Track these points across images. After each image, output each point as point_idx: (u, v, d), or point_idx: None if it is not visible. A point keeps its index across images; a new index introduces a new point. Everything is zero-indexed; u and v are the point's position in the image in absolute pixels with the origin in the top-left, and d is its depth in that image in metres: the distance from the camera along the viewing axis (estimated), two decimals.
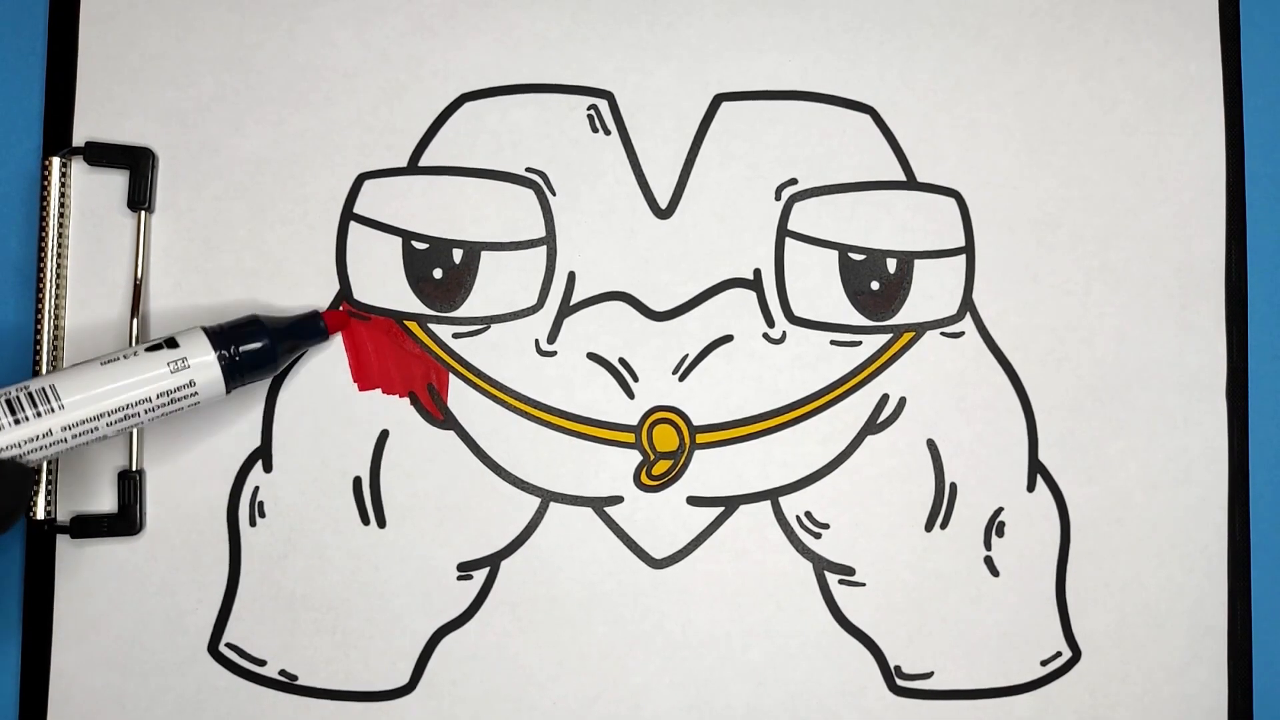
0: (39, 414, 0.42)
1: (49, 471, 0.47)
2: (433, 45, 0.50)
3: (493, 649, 0.49)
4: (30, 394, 0.43)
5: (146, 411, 0.44)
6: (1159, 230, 0.51)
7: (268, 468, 0.49)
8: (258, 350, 0.45)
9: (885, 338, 0.50)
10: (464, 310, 0.49)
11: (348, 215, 0.49)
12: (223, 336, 0.45)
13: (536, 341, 0.49)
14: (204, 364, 0.44)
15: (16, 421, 0.42)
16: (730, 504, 0.49)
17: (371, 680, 0.48)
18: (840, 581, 0.49)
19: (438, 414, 0.49)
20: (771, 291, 0.49)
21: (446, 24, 0.50)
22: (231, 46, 0.49)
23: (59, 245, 0.48)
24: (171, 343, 0.44)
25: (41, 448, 0.43)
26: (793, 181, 0.50)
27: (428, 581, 0.49)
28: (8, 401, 0.42)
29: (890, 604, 0.49)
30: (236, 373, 0.45)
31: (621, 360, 0.49)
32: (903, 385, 0.50)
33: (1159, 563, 0.50)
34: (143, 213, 0.48)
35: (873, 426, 0.50)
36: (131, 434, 0.48)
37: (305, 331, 0.47)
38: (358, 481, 0.49)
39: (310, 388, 0.49)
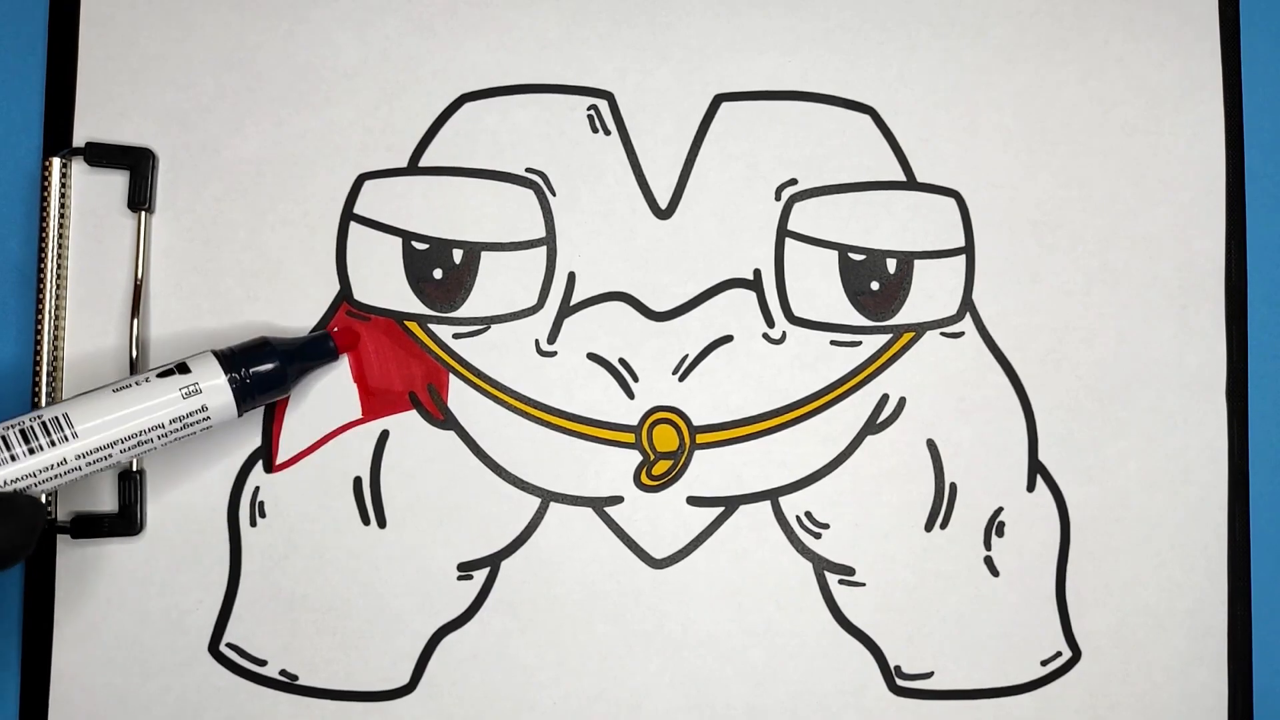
0: (53, 443, 0.42)
1: None
2: (433, 45, 0.50)
3: (493, 649, 0.49)
4: (44, 422, 0.42)
5: (160, 437, 0.44)
6: (1159, 230, 0.51)
7: (268, 468, 0.49)
8: (268, 372, 0.45)
9: (885, 338, 0.50)
10: (464, 310, 0.49)
11: (348, 216, 0.49)
12: (233, 359, 0.45)
13: (536, 342, 0.49)
14: (215, 388, 0.44)
15: (31, 451, 0.42)
16: (730, 504, 0.49)
17: (372, 680, 0.48)
18: (840, 581, 0.49)
19: (438, 414, 0.49)
20: (771, 292, 0.50)
21: (446, 24, 0.50)
22: (231, 47, 0.49)
23: (59, 246, 0.48)
24: (183, 368, 0.44)
25: (55, 476, 0.42)
26: (793, 181, 0.50)
27: (428, 581, 0.49)
28: (21, 431, 0.42)
29: (890, 604, 0.49)
30: (248, 395, 0.45)
31: (621, 360, 0.49)
32: (903, 385, 0.50)
33: (1159, 563, 0.50)
34: (143, 213, 0.48)
35: (873, 426, 0.50)
36: None
37: (315, 352, 0.47)
38: (358, 481, 0.49)
39: (311, 387, 0.49)
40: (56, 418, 0.42)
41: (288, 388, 0.47)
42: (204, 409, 0.44)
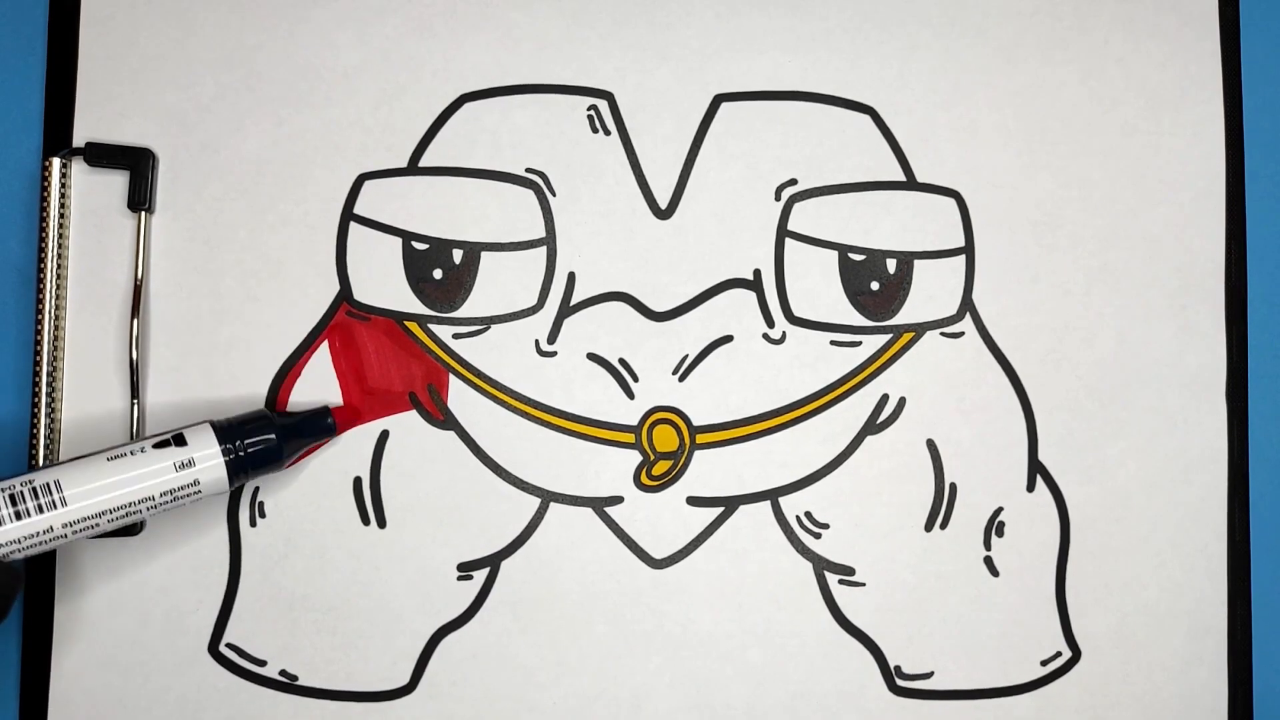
0: (40, 508, 0.42)
1: None
2: (433, 46, 0.50)
3: (493, 649, 0.49)
4: (34, 488, 0.42)
5: (149, 509, 0.44)
6: (1159, 230, 0.51)
7: None
8: (265, 448, 0.45)
9: (885, 338, 0.50)
10: (464, 311, 0.49)
11: (348, 216, 0.49)
12: (230, 432, 0.45)
13: (536, 342, 0.49)
14: (210, 466, 0.44)
15: (18, 515, 0.42)
16: (730, 504, 0.49)
17: (372, 680, 0.48)
18: (840, 581, 0.49)
19: (438, 414, 0.49)
20: (771, 292, 0.50)
21: (446, 24, 0.50)
22: (231, 47, 0.49)
23: (59, 246, 0.48)
24: (179, 439, 0.44)
25: (39, 544, 0.42)
26: (793, 182, 0.50)
27: (428, 582, 0.49)
28: (10, 495, 0.42)
29: (890, 604, 0.49)
30: (241, 470, 0.45)
31: (621, 360, 0.49)
32: (902, 385, 0.50)
33: (1159, 563, 0.50)
34: (143, 213, 0.48)
35: (872, 427, 0.50)
36: (132, 434, 0.48)
37: (314, 429, 0.47)
38: (358, 482, 0.49)
39: (311, 387, 0.49)
40: (48, 483, 0.42)
41: (282, 464, 0.46)
42: (195, 482, 0.44)
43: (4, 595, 0.41)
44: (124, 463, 0.43)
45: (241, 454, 0.45)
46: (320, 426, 0.47)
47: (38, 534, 0.42)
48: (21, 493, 0.42)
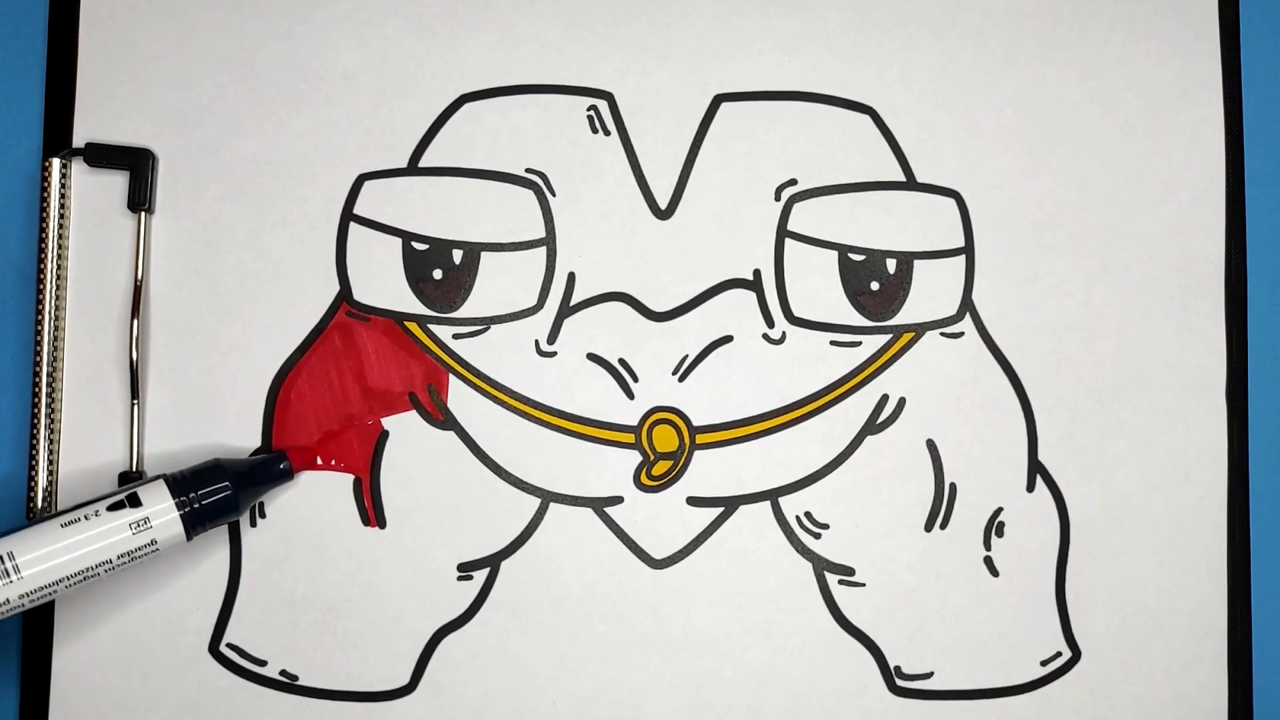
0: None
1: (50, 470, 0.47)
2: (432, 46, 0.50)
3: (493, 649, 0.49)
4: None
5: (106, 571, 0.43)
6: (1159, 230, 0.51)
7: None
8: (220, 499, 0.45)
9: (885, 338, 0.50)
10: (464, 311, 0.49)
11: (348, 216, 0.49)
12: (183, 484, 0.44)
13: (536, 342, 0.49)
14: (165, 522, 0.44)
15: None
16: (730, 504, 0.49)
17: (372, 680, 0.48)
18: (840, 581, 0.49)
19: (438, 414, 0.49)
20: (771, 292, 0.50)
21: (446, 25, 0.50)
22: (231, 48, 0.49)
23: (59, 246, 0.48)
24: (134, 500, 0.44)
25: None
26: (792, 182, 0.50)
27: (428, 582, 0.49)
28: None
29: (890, 604, 0.49)
30: (197, 522, 0.44)
31: (621, 361, 0.49)
32: (902, 385, 0.50)
33: (1159, 563, 0.50)
34: (143, 214, 0.48)
35: (872, 427, 0.50)
36: (132, 434, 0.48)
37: (269, 475, 0.47)
38: (358, 482, 0.49)
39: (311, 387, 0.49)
40: (1, 556, 0.42)
41: (240, 511, 0.46)
42: (153, 542, 0.44)
43: None
44: (79, 528, 0.43)
45: (196, 506, 0.44)
46: (275, 472, 0.47)
47: None
48: None
